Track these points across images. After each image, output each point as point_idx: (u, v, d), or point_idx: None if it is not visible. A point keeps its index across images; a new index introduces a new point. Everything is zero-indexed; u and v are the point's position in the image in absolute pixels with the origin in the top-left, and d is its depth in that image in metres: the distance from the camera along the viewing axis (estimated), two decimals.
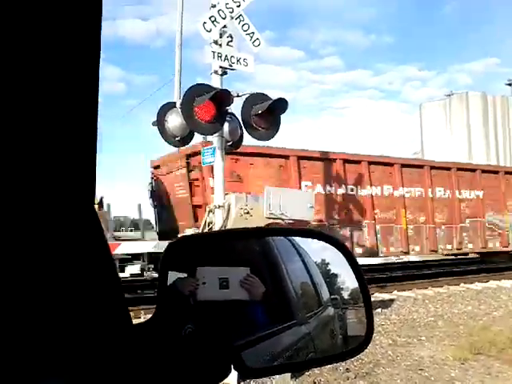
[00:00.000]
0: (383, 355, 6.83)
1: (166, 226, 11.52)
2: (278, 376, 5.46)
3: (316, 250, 1.13)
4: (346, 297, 1.13)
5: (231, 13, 7.37)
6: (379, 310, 9.99)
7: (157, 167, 12.66)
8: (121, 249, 9.32)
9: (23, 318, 0.71)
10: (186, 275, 0.97)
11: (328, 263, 1.14)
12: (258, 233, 1.23)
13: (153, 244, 9.25)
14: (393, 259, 17.60)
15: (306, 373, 5.89)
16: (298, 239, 1.17)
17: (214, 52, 7.36)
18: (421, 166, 14.84)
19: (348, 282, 1.10)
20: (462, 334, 7.95)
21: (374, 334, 1.11)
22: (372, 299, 1.14)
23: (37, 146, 0.67)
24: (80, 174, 0.73)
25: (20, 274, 0.71)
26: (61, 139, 0.68)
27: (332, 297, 1.14)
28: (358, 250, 12.50)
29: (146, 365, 0.83)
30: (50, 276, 0.73)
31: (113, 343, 0.78)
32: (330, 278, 1.14)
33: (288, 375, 5.62)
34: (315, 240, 1.13)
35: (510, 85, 40.46)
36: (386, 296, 11.70)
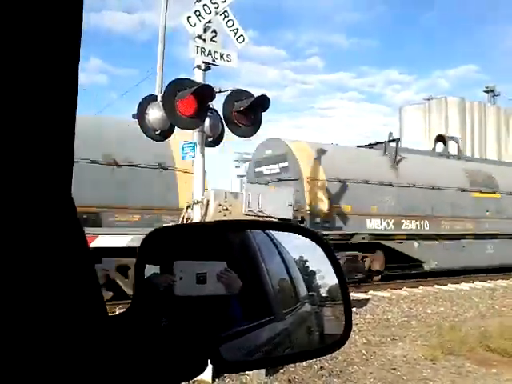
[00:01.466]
0: (357, 354, 6.91)
1: None
2: (252, 373, 5.47)
3: (295, 244, 1.13)
4: (323, 294, 1.14)
5: (216, 8, 7.32)
6: (354, 309, 10.09)
7: None
8: (97, 242, 9.22)
9: None
10: (162, 269, 0.96)
11: (306, 259, 1.14)
12: (237, 226, 1.22)
13: (129, 238, 9.15)
14: None
15: (281, 370, 5.91)
16: (276, 233, 1.16)
17: (197, 47, 7.31)
18: None
19: (326, 278, 1.11)
20: (434, 334, 8.10)
21: None
22: None
23: (12, 135, 0.66)
24: (57, 162, 0.71)
25: None
26: (37, 128, 0.67)
27: (309, 293, 1.14)
28: None
29: (120, 357, 0.82)
30: (24, 267, 0.71)
31: (88, 334, 0.77)
32: (308, 275, 1.14)
33: (263, 373, 5.63)
34: (294, 235, 1.13)
35: (487, 92, 41.23)
36: (361, 295, 11.82)
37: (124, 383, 0.83)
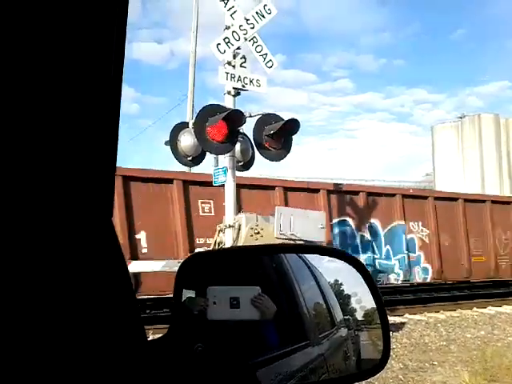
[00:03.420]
0: (394, 379, 6.71)
1: None
2: None
3: (329, 268, 1.13)
4: (359, 318, 1.12)
5: (245, 34, 7.47)
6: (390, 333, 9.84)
7: None
8: (130, 267, 9.32)
9: (36, 333, 0.71)
10: (197, 293, 0.97)
11: (341, 282, 1.14)
12: (271, 249, 1.23)
13: (162, 263, 9.22)
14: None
15: None
16: (310, 257, 1.16)
17: (227, 73, 7.44)
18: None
19: (363, 302, 1.09)
20: (475, 360, 7.79)
21: None
22: None
23: (58, 159, 0.69)
24: (99, 187, 0.74)
25: (34, 287, 0.72)
26: (81, 153, 0.70)
27: (345, 317, 1.13)
28: None
29: (159, 381, 0.83)
30: (66, 290, 0.73)
31: (127, 358, 0.78)
32: (344, 298, 1.13)
33: None
34: (328, 258, 1.13)
35: None
36: (396, 319, 11.54)
37: None
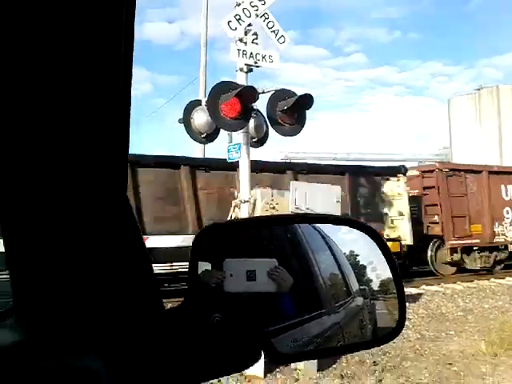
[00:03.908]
0: (411, 349, 6.78)
1: None
2: (304, 368, 5.47)
3: (343, 238, 1.14)
4: (375, 287, 1.13)
5: (256, 11, 7.37)
6: (407, 303, 9.84)
7: None
8: (148, 243, 9.43)
9: (61, 301, 0.75)
10: (213, 266, 0.98)
11: (357, 252, 1.15)
12: (285, 220, 1.24)
13: (181, 238, 9.31)
14: None
15: (333, 365, 5.89)
16: (324, 227, 1.17)
17: (239, 50, 7.37)
18: None
19: (378, 271, 1.10)
20: (492, 329, 7.82)
21: None
22: None
23: (71, 136, 0.71)
24: (112, 162, 0.76)
25: (54, 260, 0.75)
26: (95, 129, 0.72)
27: (361, 287, 1.14)
28: None
29: (178, 349, 0.86)
30: (85, 262, 0.76)
31: (146, 327, 0.81)
32: (359, 268, 1.15)
33: (315, 368, 5.62)
34: (343, 227, 1.13)
35: None
36: (413, 290, 11.57)
37: (182, 372, 0.87)
